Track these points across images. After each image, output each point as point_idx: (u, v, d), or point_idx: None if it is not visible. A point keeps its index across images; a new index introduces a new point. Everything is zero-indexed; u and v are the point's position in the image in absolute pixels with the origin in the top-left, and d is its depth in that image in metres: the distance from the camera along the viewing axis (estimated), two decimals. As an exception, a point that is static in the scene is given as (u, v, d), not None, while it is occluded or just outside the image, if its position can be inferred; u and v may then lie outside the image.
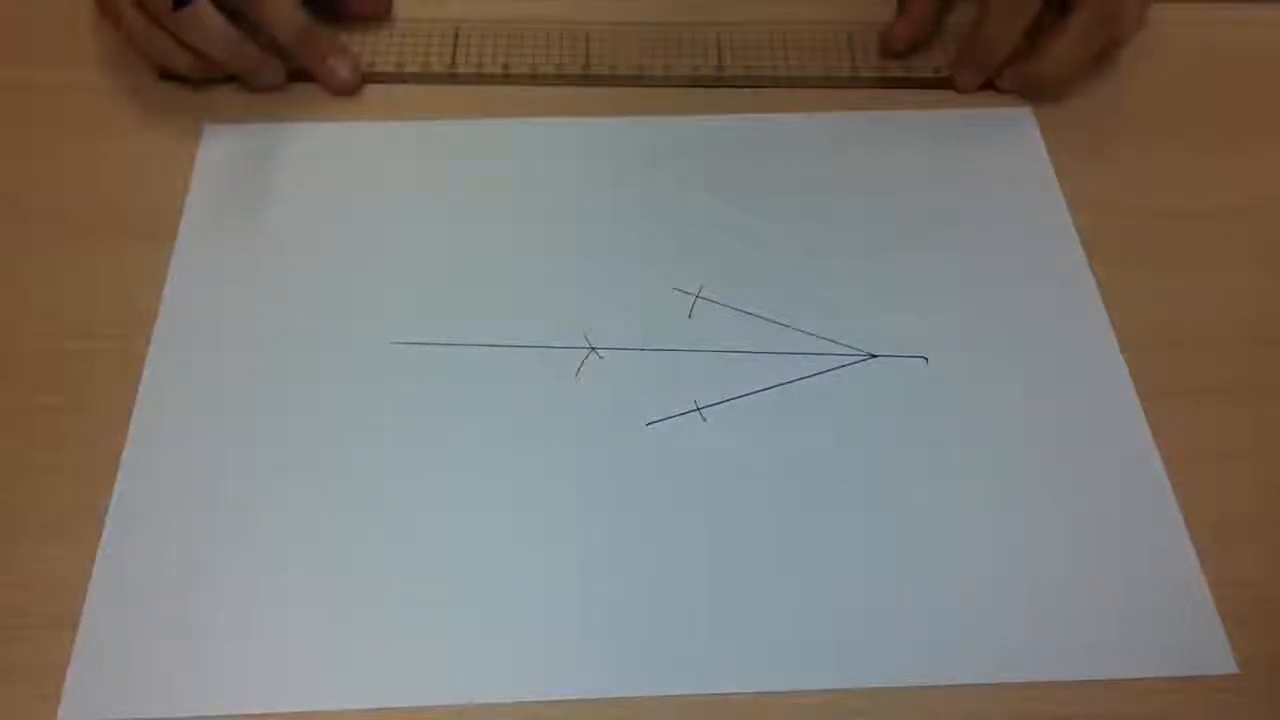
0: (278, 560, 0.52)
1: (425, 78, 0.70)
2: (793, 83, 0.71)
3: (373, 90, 0.70)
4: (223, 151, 0.66)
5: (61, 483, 0.54)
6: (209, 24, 0.64)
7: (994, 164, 0.68)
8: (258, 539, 0.53)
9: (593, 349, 0.59)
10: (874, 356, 0.59)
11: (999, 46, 0.68)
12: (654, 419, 0.57)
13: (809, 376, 0.59)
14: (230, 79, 0.68)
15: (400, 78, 0.70)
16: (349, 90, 0.69)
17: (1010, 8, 0.67)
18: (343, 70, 0.69)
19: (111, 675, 0.49)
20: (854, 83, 0.71)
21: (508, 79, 0.70)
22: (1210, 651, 0.51)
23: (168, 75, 0.69)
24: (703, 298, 0.61)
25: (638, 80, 0.71)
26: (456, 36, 0.72)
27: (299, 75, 0.69)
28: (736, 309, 0.61)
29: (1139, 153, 0.68)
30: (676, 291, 0.61)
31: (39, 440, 0.56)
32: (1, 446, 0.56)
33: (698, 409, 0.57)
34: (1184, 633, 0.52)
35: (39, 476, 0.54)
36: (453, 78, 0.70)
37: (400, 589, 0.52)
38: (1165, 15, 0.71)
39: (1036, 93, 0.70)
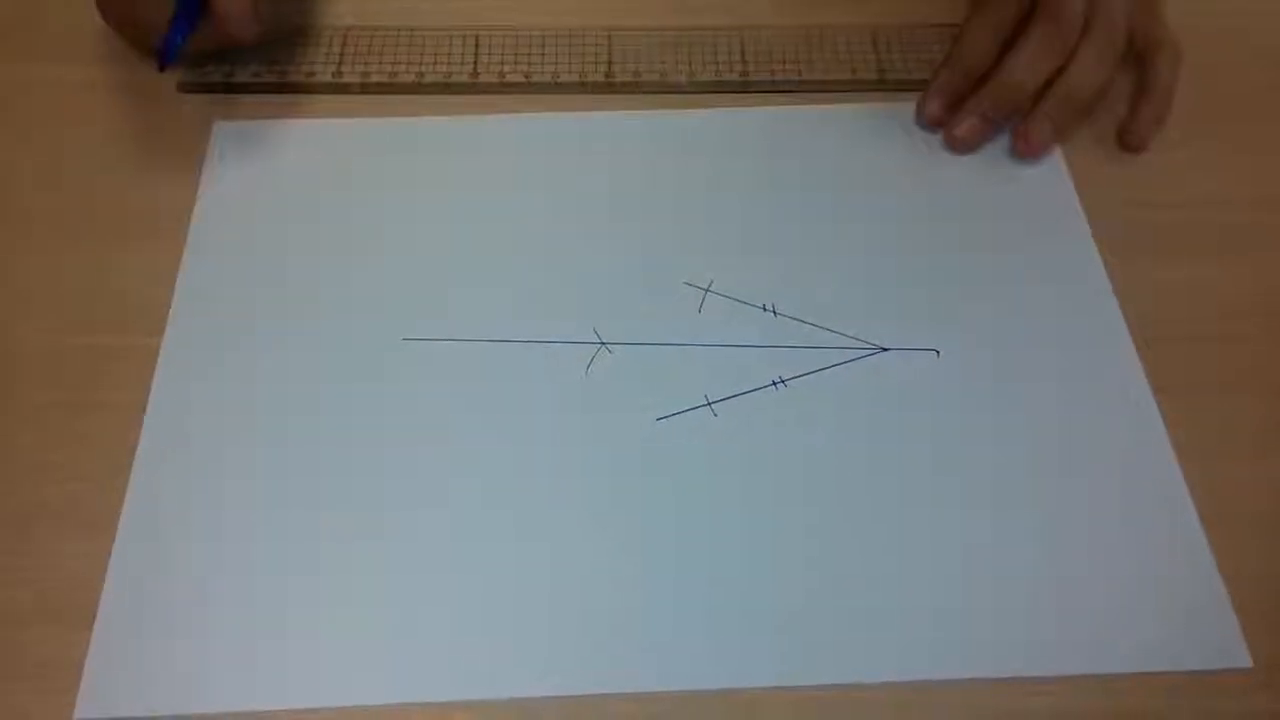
0: (293, 557, 0.53)
1: (447, 88, 0.70)
2: (818, 87, 0.71)
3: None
4: (233, 149, 0.67)
5: (75, 480, 0.55)
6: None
7: (1006, 158, 0.67)
8: (272, 535, 0.53)
9: (603, 344, 0.59)
10: (885, 350, 0.59)
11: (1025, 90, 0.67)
12: (664, 414, 0.57)
13: (820, 370, 0.58)
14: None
15: (419, 88, 0.70)
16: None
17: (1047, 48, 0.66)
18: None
19: (127, 671, 0.50)
20: (881, 86, 0.71)
21: (530, 86, 0.70)
22: (1224, 646, 0.51)
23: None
24: (713, 292, 0.61)
25: (661, 87, 0.71)
26: (478, 44, 0.72)
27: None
28: (747, 303, 0.61)
29: (1152, 145, 0.68)
30: (687, 286, 0.61)
31: (51, 438, 0.56)
32: (15, 444, 0.56)
33: (708, 404, 0.57)
34: (1198, 627, 0.51)
35: (52, 474, 0.55)
36: (474, 87, 0.70)
37: (414, 585, 0.52)
38: (1175, 6, 0.71)
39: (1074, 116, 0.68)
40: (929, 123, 0.68)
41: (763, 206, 0.65)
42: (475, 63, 0.71)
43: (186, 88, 0.70)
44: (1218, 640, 0.51)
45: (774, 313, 0.60)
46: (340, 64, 0.71)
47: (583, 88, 0.71)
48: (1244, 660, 0.50)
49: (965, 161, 0.67)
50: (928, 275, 0.62)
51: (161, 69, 0.64)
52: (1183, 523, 0.54)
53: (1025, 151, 0.67)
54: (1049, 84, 0.66)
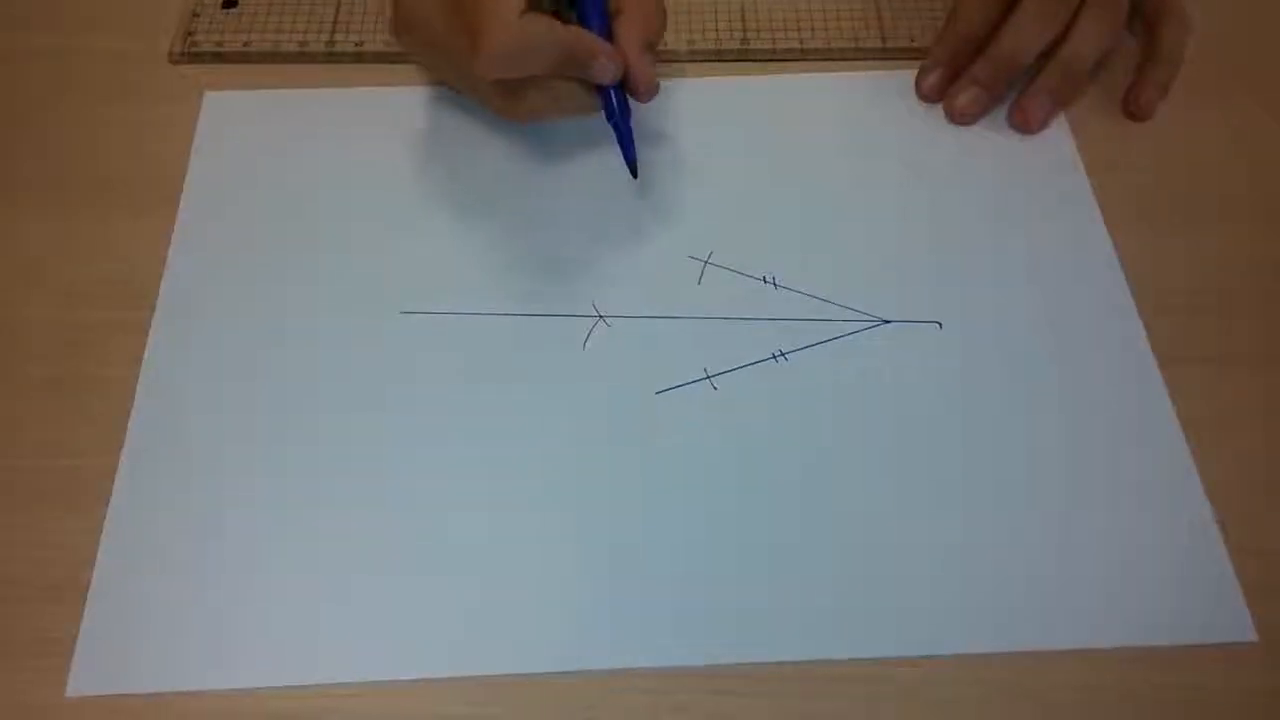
0: (288, 532, 0.52)
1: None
2: (820, 55, 0.70)
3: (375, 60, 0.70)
4: (224, 119, 0.66)
5: (67, 453, 0.54)
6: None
7: (1009, 126, 0.67)
8: (267, 511, 0.53)
9: (601, 317, 0.58)
10: (887, 322, 0.58)
11: (1025, 56, 0.66)
12: (663, 387, 0.56)
13: (822, 342, 0.58)
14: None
15: (407, 57, 0.69)
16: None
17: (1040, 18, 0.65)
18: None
19: (120, 648, 0.49)
20: (883, 54, 0.70)
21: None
22: (1230, 619, 0.50)
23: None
24: (712, 264, 0.60)
25: (660, 55, 0.69)
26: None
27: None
28: (747, 275, 0.60)
29: (1157, 112, 0.67)
30: (686, 258, 0.61)
31: (44, 413, 0.56)
32: (7, 419, 0.56)
33: (708, 377, 0.57)
34: (1203, 600, 0.51)
35: (46, 449, 0.55)
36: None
37: (408, 559, 0.52)
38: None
39: (1073, 86, 0.67)
40: (926, 97, 0.68)
41: (763, 177, 0.64)
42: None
43: (178, 57, 0.69)
44: (1223, 614, 0.51)
45: (774, 285, 0.60)
46: (334, 32, 0.70)
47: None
48: (1249, 634, 0.50)
49: (968, 130, 0.67)
50: (930, 246, 0.62)
51: (636, 175, 0.62)
52: (1187, 495, 0.54)
53: (1024, 126, 0.66)
54: (1051, 49, 0.65)
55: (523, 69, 0.57)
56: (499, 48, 0.55)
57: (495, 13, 0.55)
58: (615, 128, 0.60)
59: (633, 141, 0.61)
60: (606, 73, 0.58)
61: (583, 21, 0.58)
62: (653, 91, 0.60)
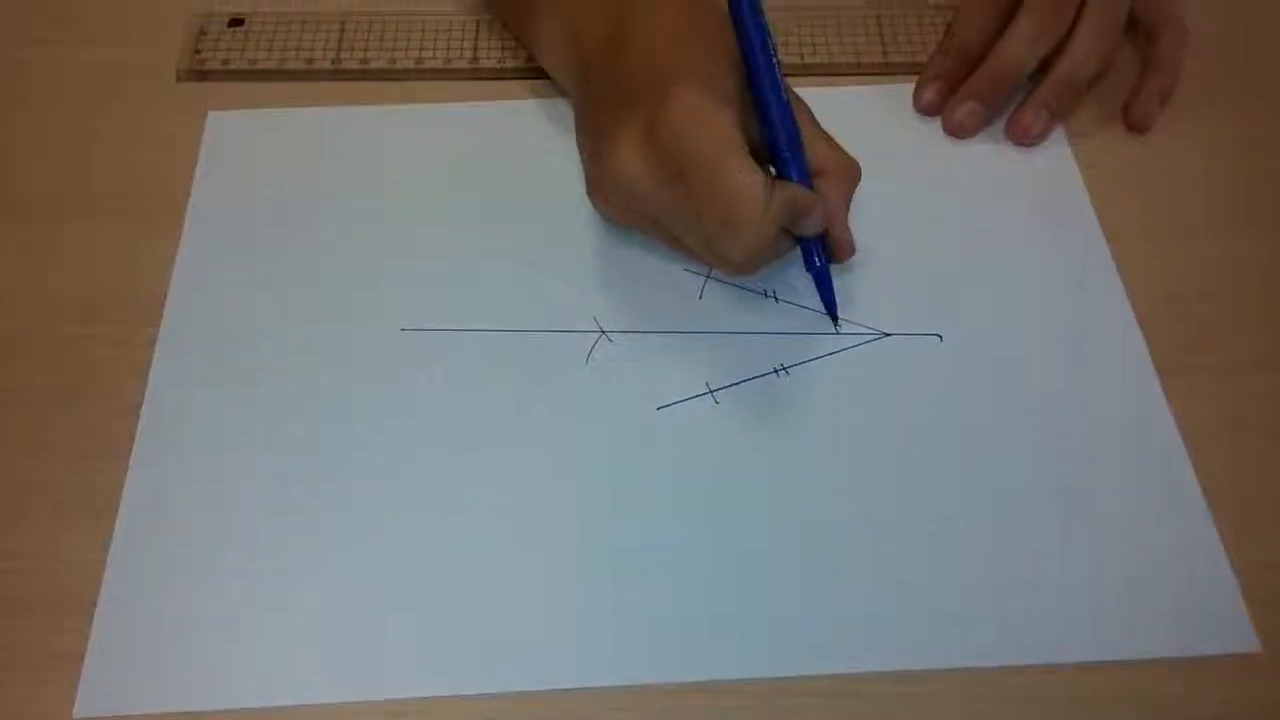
0: (293, 548, 0.52)
1: (447, 73, 0.70)
2: (822, 70, 0.70)
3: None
4: (228, 137, 0.66)
5: (73, 468, 0.54)
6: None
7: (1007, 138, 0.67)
8: (272, 527, 0.53)
9: (603, 332, 0.59)
10: (887, 335, 0.59)
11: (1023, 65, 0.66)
12: (665, 403, 0.57)
13: (822, 356, 0.58)
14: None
15: (419, 74, 0.70)
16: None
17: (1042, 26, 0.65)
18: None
19: (128, 668, 0.49)
20: (885, 69, 0.70)
21: (531, 71, 0.69)
22: (1232, 629, 0.50)
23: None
24: (713, 278, 0.61)
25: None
26: (478, 29, 0.72)
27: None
28: (747, 289, 0.60)
29: (1156, 123, 0.68)
30: (687, 272, 0.61)
31: (50, 426, 0.56)
32: (13, 432, 0.56)
33: (710, 391, 0.57)
34: (1205, 611, 0.51)
35: (51, 462, 0.55)
36: (474, 73, 0.70)
37: (414, 577, 0.51)
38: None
39: (1071, 98, 0.67)
40: (924, 111, 0.68)
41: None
42: (475, 48, 0.71)
43: (185, 75, 0.69)
44: (1226, 624, 0.50)
45: (775, 299, 0.60)
46: (339, 50, 0.70)
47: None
48: (1252, 644, 0.50)
49: (968, 142, 0.67)
50: (930, 259, 0.62)
51: (838, 323, 0.60)
52: (1189, 505, 0.53)
53: (1022, 140, 0.66)
54: (1048, 62, 0.66)
55: (774, 244, 0.55)
56: (761, 240, 0.53)
57: (752, 203, 0.52)
58: (816, 277, 0.59)
59: (833, 290, 0.59)
60: (818, 226, 0.56)
61: (785, 174, 0.56)
62: (851, 254, 0.59)
